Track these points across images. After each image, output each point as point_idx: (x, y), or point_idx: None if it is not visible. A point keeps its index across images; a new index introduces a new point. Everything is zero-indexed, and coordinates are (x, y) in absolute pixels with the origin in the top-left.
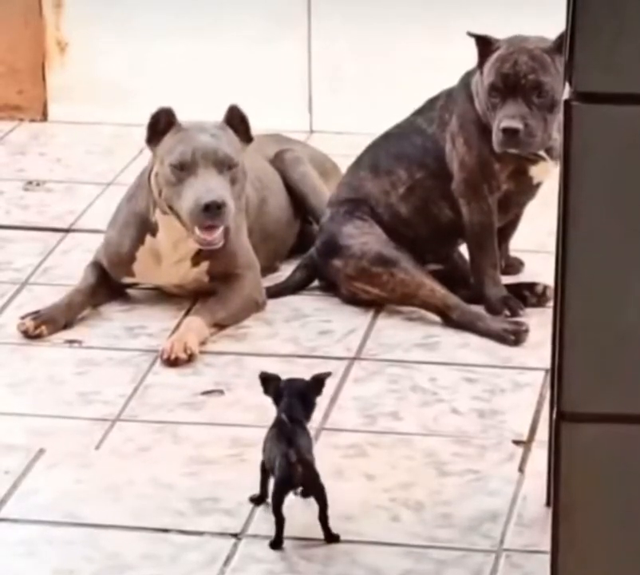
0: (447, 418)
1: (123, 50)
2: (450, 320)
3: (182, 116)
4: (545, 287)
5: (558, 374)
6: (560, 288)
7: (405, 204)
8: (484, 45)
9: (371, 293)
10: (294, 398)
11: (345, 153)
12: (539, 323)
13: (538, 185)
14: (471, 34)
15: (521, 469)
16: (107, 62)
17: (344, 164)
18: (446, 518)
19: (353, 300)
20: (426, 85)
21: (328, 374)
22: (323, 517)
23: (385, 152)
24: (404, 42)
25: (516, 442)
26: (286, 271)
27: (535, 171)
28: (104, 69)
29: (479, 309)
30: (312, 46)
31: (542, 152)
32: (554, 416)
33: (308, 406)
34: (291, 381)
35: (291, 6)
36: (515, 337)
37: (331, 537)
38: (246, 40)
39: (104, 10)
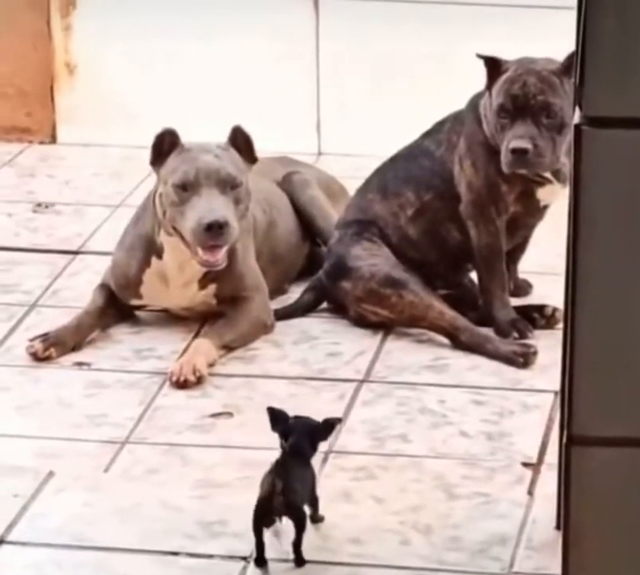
0: (456, 440)
1: (131, 73)
2: (459, 342)
3: (190, 139)
4: (554, 309)
5: (568, 397)
6: (570, 311)
7: (414, 226)
8: (493, 66)
9: (380, 315)
10: (303, 437)
11: (353, 175)
12: (547, 345)
13: (545, 208)
14: (480, 56)
15: (530, 492)
16: (116, 85)
17: (352, 187)
18: (455, 541)
19: (361, 322)
20: (434, 107)
21: (339, 420)
22: (297, 543)
23: (393, 174)
24: (411, 64)
25: (525, 465)
26: (294, 293)
27: (543, 193)
28: (112, 92)
29: (487, 331)
30: (320, 68)
31: (549, 175)
32: (564, 439)
33: (312, 448)
34: (300, 420)
35: (299, 28)
36: (523, 359)
37: (300, 562)
38: (255, 62)
39: (112, 33)
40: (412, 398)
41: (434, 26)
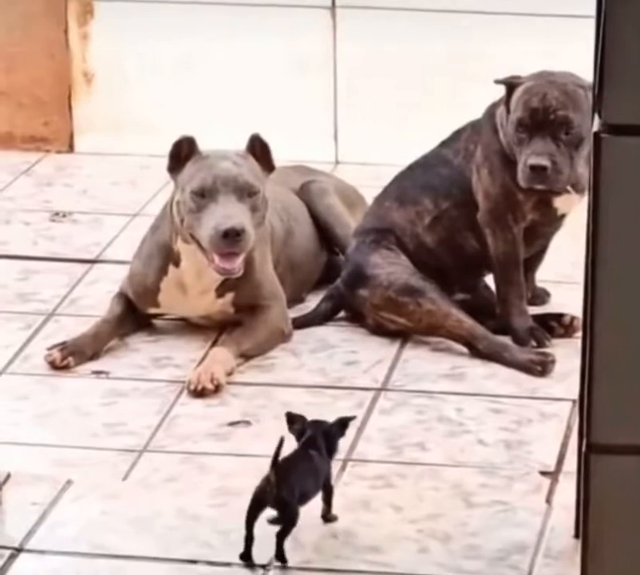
0: (474, 448)
1: (149, 82)
2: (476, 351)
3: (207, 147)
4: (573, 318)
5: (587, 405)
6: (589, 319)
7: (431, 235)
8: (511, 87)
9: (397, 323)
10: (316, 433)
11: (370, 184)
12: (564, 353)
13: (563, 216)
14: (498, 82)
15: (548, 501)
16: (133, 94)
17: (369, 195)
18: (474, 550)
19: (379, 331)
20: (451, 115)
21: (352, 418)
22: (280, 538)
23: (411, 182)
24: (429, 73)
25: (543, 473)
26: (312, 301)
27: (560, 202)
28: (130, 101)
29: (505, 340)
30: (337, 77)
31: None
32: (583, 448)
33: (330, 448)
34: (316, 422)
35: (317, 37)
36: (541, 368)
37: (281, 558)
38: (272, 71)
39: (130, 42)
40: (430, 406)
41: (452, 35)
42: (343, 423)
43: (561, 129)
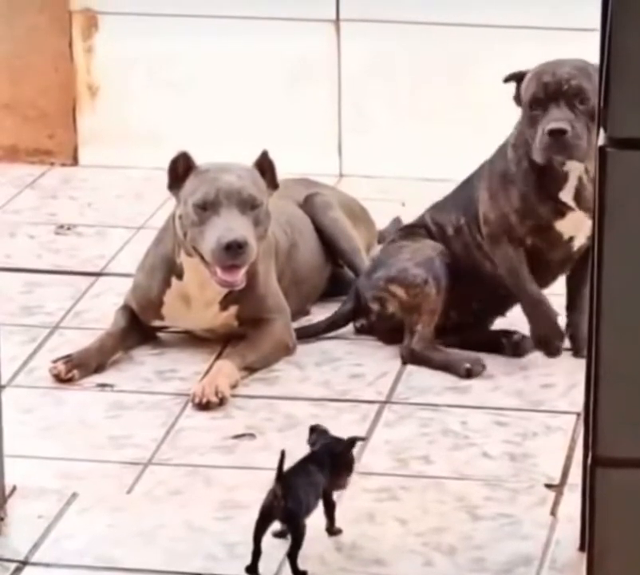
0: (478, 461)
1: (153, 95)
2: (408, 350)
3: (213, 160)
4: (523, 337)
5: (592, 418)
6: (594, 333)
7: (454, 244)
8: (520, 80)
9: (397, 297)
10: (322, 451)
11: (374, 197)
12: (568, 366)
13: (571, 240)
14: (506, 79)
15: (553, 513)
16: (138, 106)
17: (374, 208)
18: (479, 562)
19: (380, 322)
20: (456, 129)
21: (363, 438)
22: (293, 554)
23: (453, 193)
24: (433, 86)
25: (548, 486)
26: (317, 314)
27: (563, 225)
28: (134, 114)
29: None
30: (342, 90)
31: (570, 201)
32: (588, 461)
33: (335, 464)
34: (328, 437)
35: (321, 50)
36: (468, 370)
37: (297, 573)
38: (276, 84)
39: (134, 55)
40: (435, 419)
41: (456, 48)
42: (351, 442)
43: (576, 98)
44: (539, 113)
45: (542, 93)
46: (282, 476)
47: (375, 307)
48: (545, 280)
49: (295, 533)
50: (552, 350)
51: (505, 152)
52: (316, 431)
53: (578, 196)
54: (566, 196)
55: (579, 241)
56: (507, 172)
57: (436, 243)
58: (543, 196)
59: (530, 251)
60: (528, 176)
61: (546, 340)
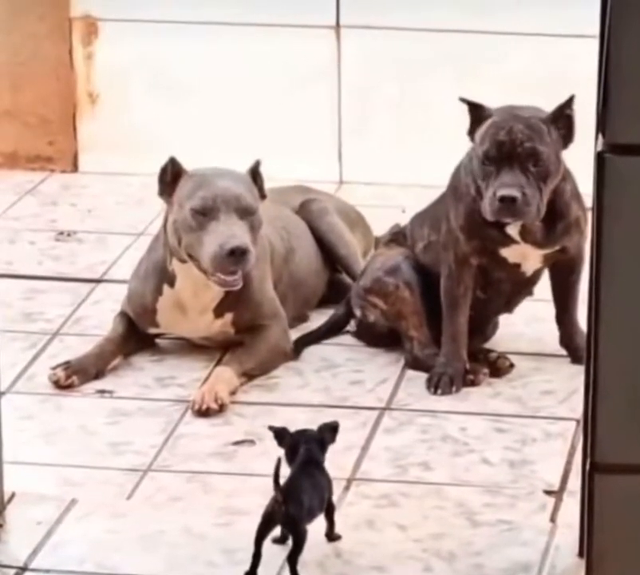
0: (478, 468)
1: (153, 101)
2: (411, 355)
3: (213, 166)
4: (499, 356)
5: (590, 425)
6: (593, 340)
7: (424, 258)
8: (476, 112)
9: (378, 307)
10: (313, 444)
11: (375, 204)
12: (568, 373)
13: (518, 266)
14: (463, 100)
15: (553, 520)
16: (137, 113)
17: (374, 215)
18: (478, 569)
19: (363, 331)
20: (455, 135)
21: (336, 424)
22: (293, 559)
23: (431, 206)
24: (433, 93)
25: (548, 492)
26: (315, 320)
27: (507, 253)
28: (134, 120)
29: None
30: (342, 97)
31: (514, 234)
32: (587, 467)
33: (323, 454)
34: (303, 432)
35: (321, 57)
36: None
37: None
38: (277, 90)
39: (134, 62)
40: (434, 425)
41: (457, 55)
42: (332, 428)
43: (529, 161)
44: (491, 169)
45: (495, 151)
46: (279, 482)
47: (358, 314)
48: (499, 303)
49: (296, 538)
50: (444, 390)
51: (460, 171)
52: (282, 434)
53: (524, 231)
54: (512, 230)
55: (530, 267)
56: (459, 188)
57: (405, 249)
58: (489, 222)
59: (479, 270)
60: (477, 200)
61: (440, 378)
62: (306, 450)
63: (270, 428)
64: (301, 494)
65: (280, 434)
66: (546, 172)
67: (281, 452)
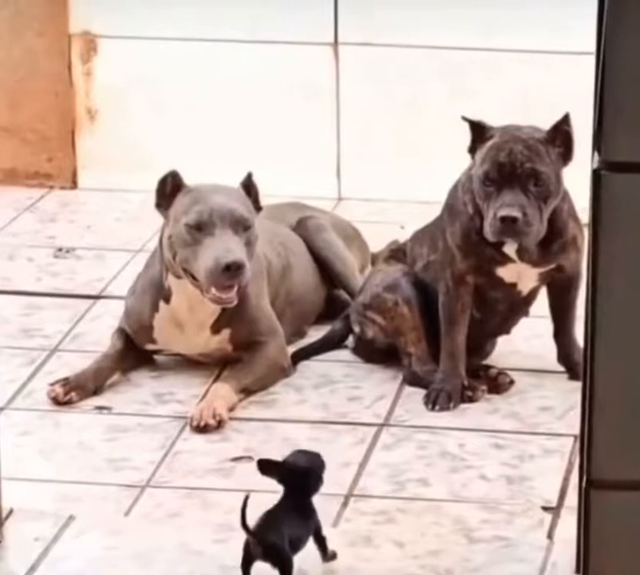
0: (475, 484)
1: (152, 118)
2: (410, 372)
3: (212, 182)
4: (499, 373)
5: (587, 441)
6: (589, 356)
7: (425, 276)
8: (478, 131)
9: (376, 323)
10: (299, 477)
11: (373, 220)
12: (565, 389)
13: (514, 285)
14: (465, 119)
15: (550, 536)
16: (136, 130)
17: (373, 232)
18: None
19: (362, 347)
20: (455, 152)
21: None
22: None
23: (431, 224)
24: (432, 110)
25: (545, 509)
26: (313, 336)
27: (504, 272)
28: (133, 137)
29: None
30: (340, 114)
31: (512, 254)
32: (583, 483)
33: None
34: (293, 461)
35: (319, 73)
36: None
37: None
38: (275, 107)
39: (133, 78)
40: (432, 441)
41: (455, 72)
42: (321, 463)
43: (530, 181)
44: (492, 190)
45: (496, 173)
46: (245, 522)
47: (357, 330)
48: (494, 324)
49: (282, 568)
50: (442, 406)
51: (457, 189)
52: (271, 470)
53: (521, 250)
54: (509, 248)
55: (526, 286)
56: (455, 206)
57: (404, 265)
58: (485, 241)
59: (474, 290)
60: (474, 218)
61: (438, 394)
62: (293, 485)
63: (258, 462)
64: (280, 526)
65: (267, 471)
66: (546, 192)
67: None
